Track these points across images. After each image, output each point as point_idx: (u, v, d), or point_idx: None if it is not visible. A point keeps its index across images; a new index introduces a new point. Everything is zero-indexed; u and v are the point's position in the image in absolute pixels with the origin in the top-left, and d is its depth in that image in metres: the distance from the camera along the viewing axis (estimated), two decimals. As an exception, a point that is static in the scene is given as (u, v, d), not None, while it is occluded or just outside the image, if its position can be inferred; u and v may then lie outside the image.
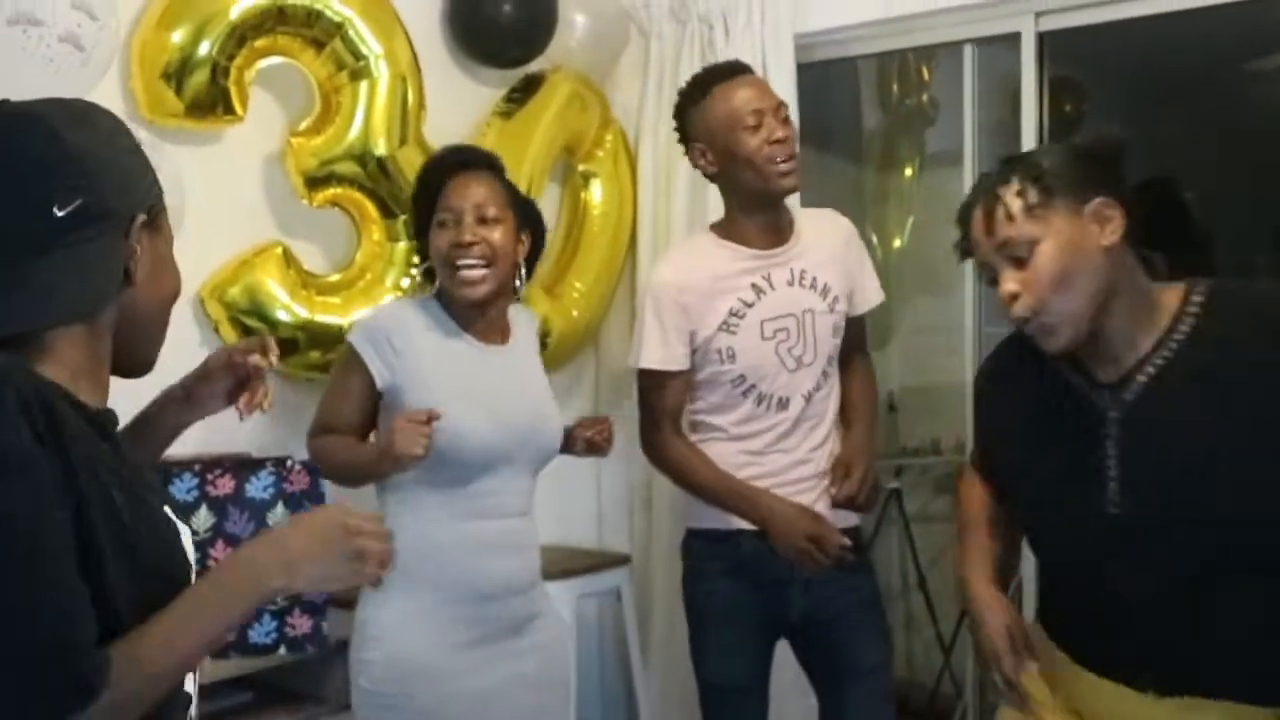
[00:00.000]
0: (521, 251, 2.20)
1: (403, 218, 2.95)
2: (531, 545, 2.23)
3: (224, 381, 1.66)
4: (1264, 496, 1.55)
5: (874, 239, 4.41)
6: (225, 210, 2.79)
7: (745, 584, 2.43)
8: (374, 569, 1.24)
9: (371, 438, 2.21)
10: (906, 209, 4.49)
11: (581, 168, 3.46)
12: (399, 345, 2.14)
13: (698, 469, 2.45)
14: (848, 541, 2.37)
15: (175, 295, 1.33)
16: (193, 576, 1.27)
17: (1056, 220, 1.60)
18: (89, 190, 1.18)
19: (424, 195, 2.21)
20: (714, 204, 3.35)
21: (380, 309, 2.39)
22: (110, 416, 1.27)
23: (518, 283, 2.21)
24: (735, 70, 2.48)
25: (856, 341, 2.59)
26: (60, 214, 1.16)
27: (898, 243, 4.46)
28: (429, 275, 2.21)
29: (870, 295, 2.59)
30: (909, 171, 4.50)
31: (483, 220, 2.13)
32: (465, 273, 2.12)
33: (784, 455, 2.46)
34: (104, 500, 1.14)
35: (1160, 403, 1.62)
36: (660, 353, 2.42)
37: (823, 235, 2.52)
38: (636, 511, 3.55)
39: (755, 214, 2.43)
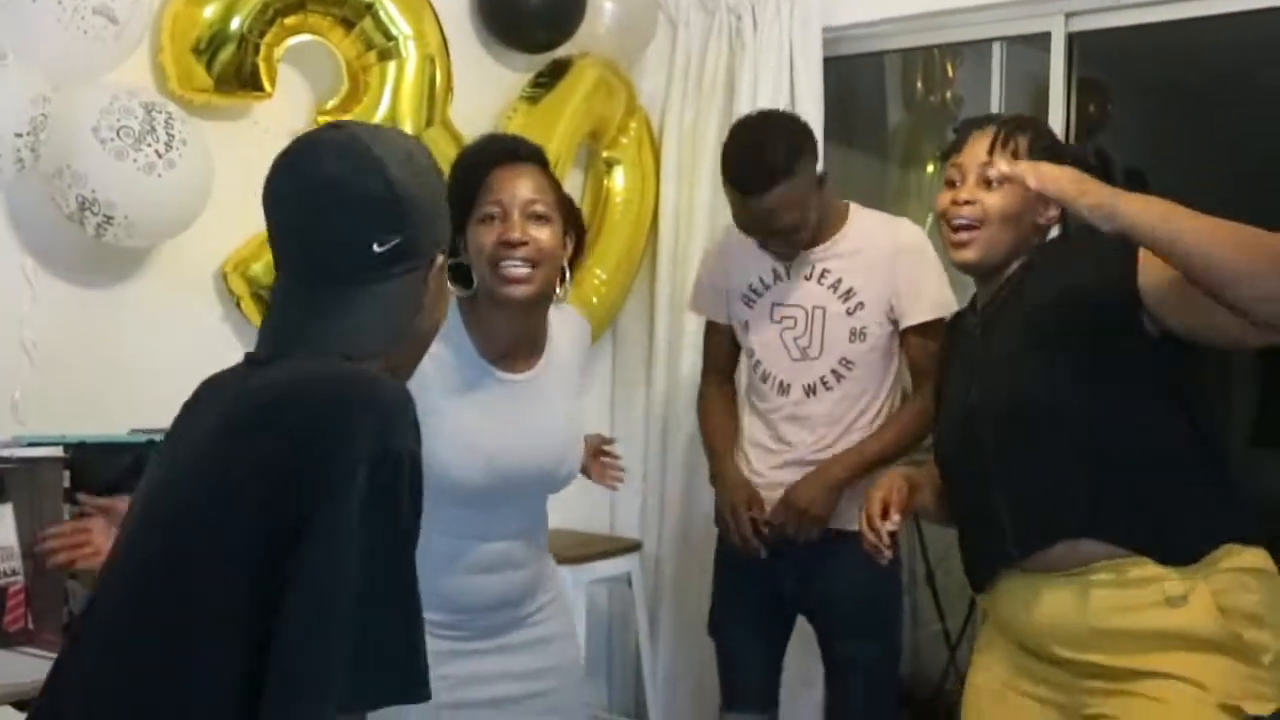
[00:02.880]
0: (566, 254, 1.99)
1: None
2: (531, 559, 2.07)
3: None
4: (1047, 379, 1.83)
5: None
6: (251, 186, 2.76)
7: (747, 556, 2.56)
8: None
9: None
10: (928, 205, 4.47)
11: (605, 154, 3.47)
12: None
13: (706, 417, 2.74)
14: (760, 531, 2.51)
15: (443, 319, 1.45)
16: None
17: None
18: (405, 231, 1.28)
19: (465, 186, 1.96)
20: (736, 194, 3.36)
21: None
22: None
23: (559, 289, 2.02)
24: None
25: (924, 361, 2.46)
26: (378, 251, 1.27)
27: (919, 239, 4.45)
28: (460, 275, 1.97)
29: (919, 309, 2.48)
30: (931, 168, 4.50)
31: (532, 218, 1.94)
32: (511, 270, 1.92)
33: (786, 444, 2.55)
34: None
35: (995, 318, 1.97)
36: (702, 300, 2.74)
37: (871, 241, 2.51)
38: (648, 498, 3.56)
39: None
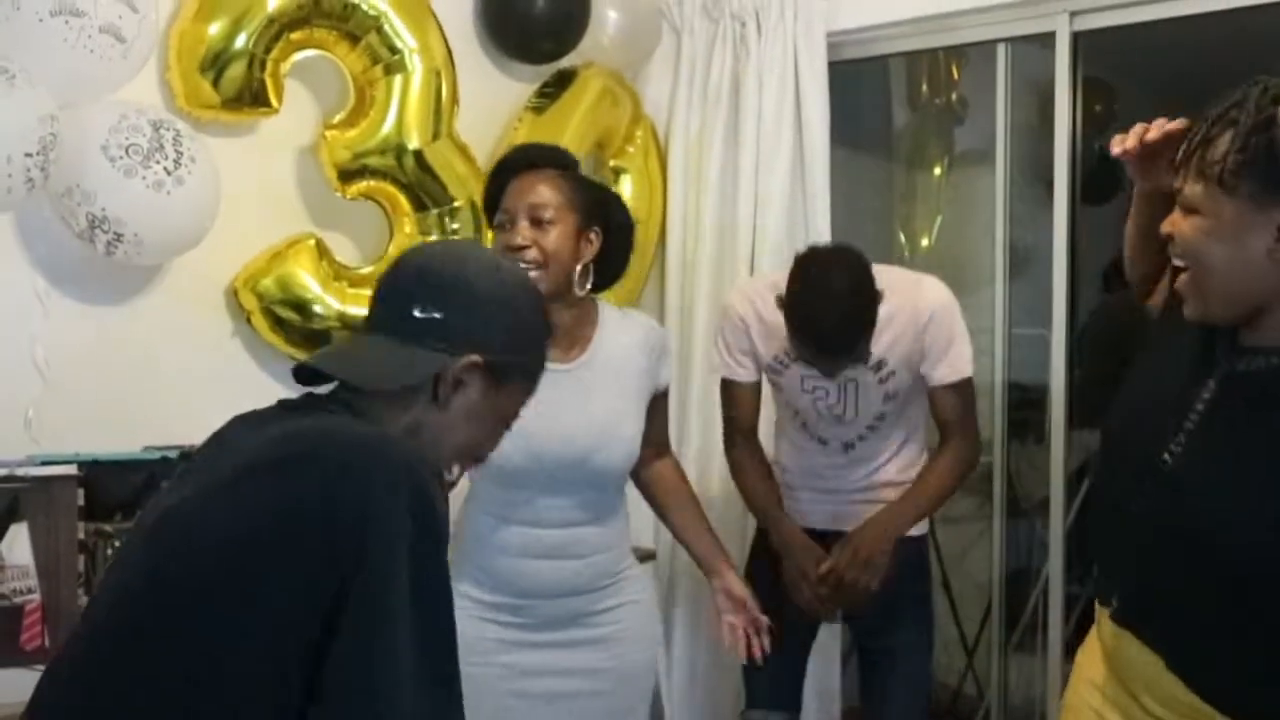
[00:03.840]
0: (589, 251, 2.11)
1: (435, 211, 2.97)
2: (599, 549, 2.17)
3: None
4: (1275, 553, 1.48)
5: (901, 238, 4.41)
6: (259, 202, 2.82)
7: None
8: None
9: None
10: (934, 208, 4.48)
11: (612, 163, 3.47)
12: None
13: (745, 481, 2.62)
14: (817, 601, 2.47)
15: (474, 456, 1.50)
16: None
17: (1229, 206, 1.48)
18: (448, 312, 1.38)
19: (489, 194, 2.18)
20: (743, 203, 3.37)
21: None
22: None
23: (585, 281, 2.12)
24: None
25: (949, 414, 2.47)
26: (417, 316, 1.38)
27: (925, 242, 4.45)
28: None
29: (945, 373, 2.44)
30: (938, 170, 4.49)
31: (537, 222, 2.07)
32: None
33: (826, 480, 2.56)
34: None
35: (1258, 392, 1.54)
36: (722, 360, 2.58)
37: (898, 309, 2.39)
38: (662, 507, 3.55)
39: None
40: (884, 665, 2.59)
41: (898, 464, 2.56)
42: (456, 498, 2.22)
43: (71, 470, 2.17)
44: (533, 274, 2.03)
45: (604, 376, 2.18)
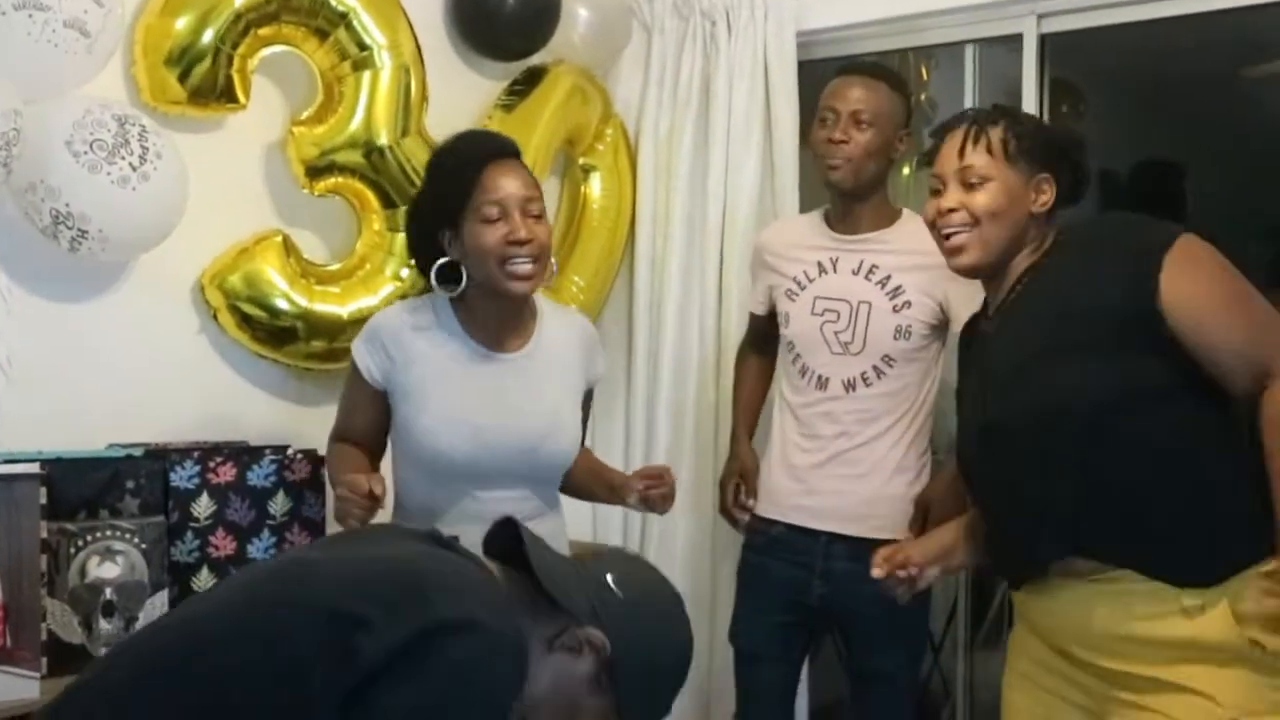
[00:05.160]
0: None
1: (403, 208, 2.95)
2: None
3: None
4: (1068, 387, 1.78)
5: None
6: (226, 198, 2.79)
7: (774, 561, 2.60)
8: None
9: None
10: (905, 206, 4.48)
11: (582, 161, 3.47)
12: (394, 352, 2.12)
13: (739, 382, 2.87)
14: (739, 511, 2.67)
15: None
16: None
17: (1011, 173, 1.92)
18: None
19: (458, 184, 2.08)
20: (713, 201, 3.37)
21: (385, 312, 2.28)
22: None
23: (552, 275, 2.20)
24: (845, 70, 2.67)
25: None
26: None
27: (894, 241, 4.46)
28: (444, 276, 2.10)
29: (965, 317, 2.42)
30: (906, 170, 4.51)
31: (530, 215, 2.07)
32: (519, 266, 2.05)
33: (818, 438, 2.55)
34: None
35: (1005, 322, 1.94)
36: (751, 296, 2.81)
37: (923, 245, 2.34)
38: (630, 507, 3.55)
39: (834, 199, 2.64)
40: (874, 688, 2.58)
41: (882, 443, 2.52)
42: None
43: (34, 468, 2.15)
44: (530, 268, 2.07)
45: (547, 367, 2.19)
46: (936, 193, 1.97)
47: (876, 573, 1.98)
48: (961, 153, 1.93)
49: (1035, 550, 1.84)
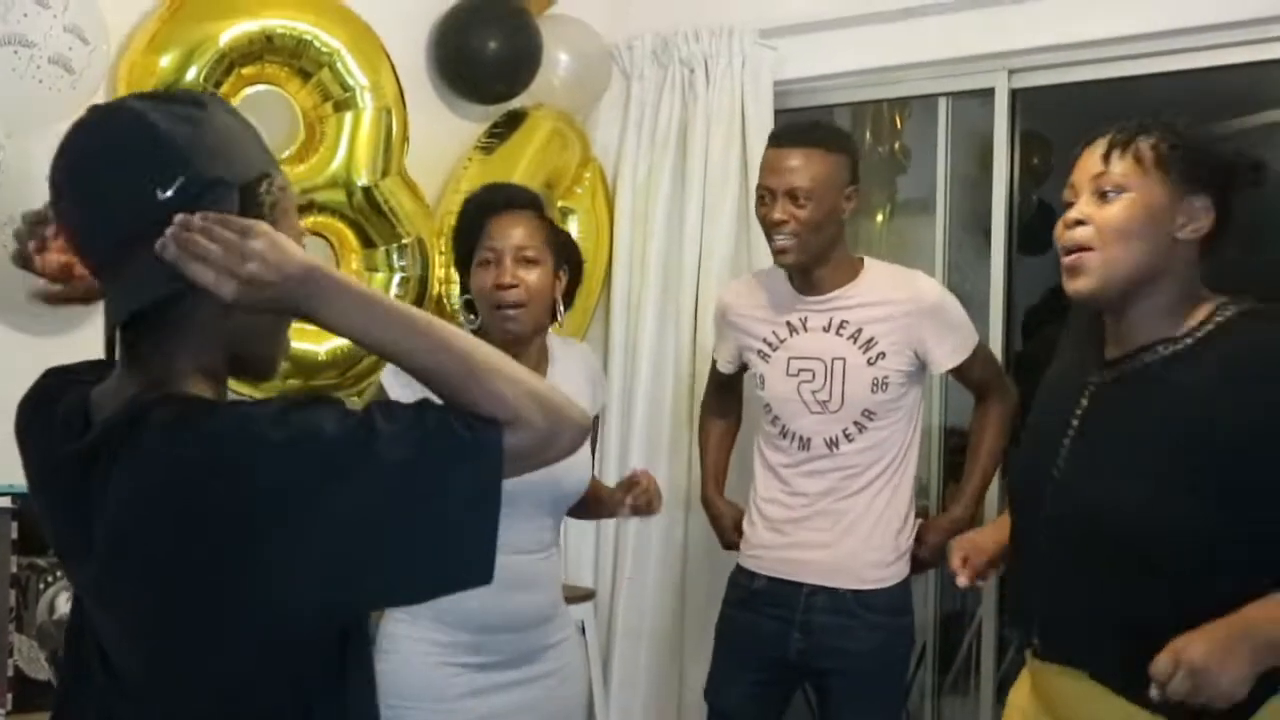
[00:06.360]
0: (560, 288, 2.24)
1: (383, 248, 2.98)
2: (549, 582, 2.23)
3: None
4: (1165, 519, 1.59)
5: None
6: (205, 234, 2.80)
7: (753, 616, 2.57)
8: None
9: None
10: (876, 254, 4.53)
11: (560, 204, 3.49)
12: (420, 387, 2.14)
13: (705, 448, 2.87)
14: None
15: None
16: None
17: (1156, 187, 1.62)
18: (187, 167, 1.16)
19: (466, 231, 2.24)
20: (689, 245, 3.41)
21: None
22: None
23: (558, 316, 2.25)
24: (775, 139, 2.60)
25: (979, 384, 2.63)
26: (165, 196, 1.15)
27: (867, 287, 4.50)
28: (469, 307, 2.26)
29: (943, 359, 2.52)
30: (880, 218, 4.57)
31: (522, 261, 2.17)
32: (505, 310, 2.16)
33: (801, 495, 2.53)
34: None
35: (1127, 394, 1.66)
36: (716, 347, 2.81)
37: (889, 294, 2.49)
38: (602, 546, 3.56)
39: (790, 271, 2.58)
40: None
41: (873, 519, 2.50)
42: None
43: (6, 502, 2.14)
44: (516, 311, 2.15)
45: None
46: (1069, 206, 1.69)
47: (961, 582, 1.89)
48: (1105, 159, 1.64)
49: (1082, 645, 1.70)
